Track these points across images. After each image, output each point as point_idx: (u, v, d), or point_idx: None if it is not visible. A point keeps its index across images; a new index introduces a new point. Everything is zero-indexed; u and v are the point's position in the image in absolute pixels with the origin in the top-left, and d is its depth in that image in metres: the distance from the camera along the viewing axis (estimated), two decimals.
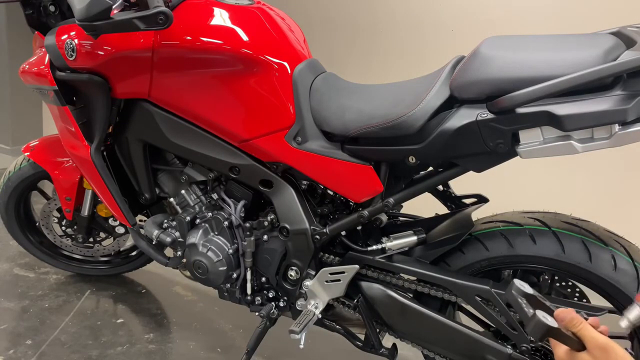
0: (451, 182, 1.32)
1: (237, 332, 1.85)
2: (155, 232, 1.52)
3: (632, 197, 2.21)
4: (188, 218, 1.47)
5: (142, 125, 1.43)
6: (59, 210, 1.96)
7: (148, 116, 1.40)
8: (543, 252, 1.15)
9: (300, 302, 1.39)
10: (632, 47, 0.95)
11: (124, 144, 1.50)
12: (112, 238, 2.00)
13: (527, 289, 0.79)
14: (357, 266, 1.29)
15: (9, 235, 2.04)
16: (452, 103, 1.10)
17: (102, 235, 2.01)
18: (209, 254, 1.41)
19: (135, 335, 1.80)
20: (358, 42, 2.76)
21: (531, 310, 0.74)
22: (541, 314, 0.72)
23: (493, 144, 1.04)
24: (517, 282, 0.81)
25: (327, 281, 1.32)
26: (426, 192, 1.28)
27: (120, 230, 1.94)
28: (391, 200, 1.23)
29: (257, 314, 1.47)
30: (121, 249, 2.07)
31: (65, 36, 1.35)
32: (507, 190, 1.87)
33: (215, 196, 1.46)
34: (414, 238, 1.29)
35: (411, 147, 1.14)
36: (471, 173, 1.15)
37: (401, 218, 1.45)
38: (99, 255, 2.09)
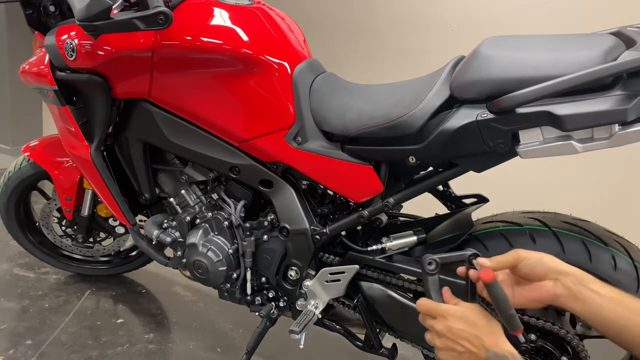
0: (451, 182, 1.32)
1: (237, 332, 1.85)
2: (155, 232, 1.52)
3: (632, 197, 2.20)
4: (188, 218, 1.47)
5: (142, 125, 1.43)
6: (59, 210, 1.95)
7: (148, 116, 1.39)
8: (543, 252, 1.14)
9: (300, 302, 1.39)
10: (632, 47, 0.95)
11: (124, 144, 1.50)
12: (112, 238, 1.99)
13: None
14: (357, 266, 1.29)
15: (9, 235, 2.03)
16: (452, 103, 1.10)
17: (102, 235, 2.01)
18: (209, 254, 1.41)
19: (135, 335, 1.80)
20: (358, 42, 2.75)
21: None
22: None
23: (493, 144, 1.04)
24: None
25: (327, 281, 1.32)
26: (426, 192, 1.28)
27: (120, 230, 1.94)
28: (391, 200, 1.23)
29: (257, 314, 1.47)
30: (121, 249, 2.07)
31: (65, 36, 1.35)
32: (507, 190, 1.86)
33: (215, 196, 1.46)
34: (414, 238, 1.28)
35: (411, 147, 1.14)
36: (471, 173, 1.15)
37: (401, 218, 1.45)
38: (99, 255, 2.09)
